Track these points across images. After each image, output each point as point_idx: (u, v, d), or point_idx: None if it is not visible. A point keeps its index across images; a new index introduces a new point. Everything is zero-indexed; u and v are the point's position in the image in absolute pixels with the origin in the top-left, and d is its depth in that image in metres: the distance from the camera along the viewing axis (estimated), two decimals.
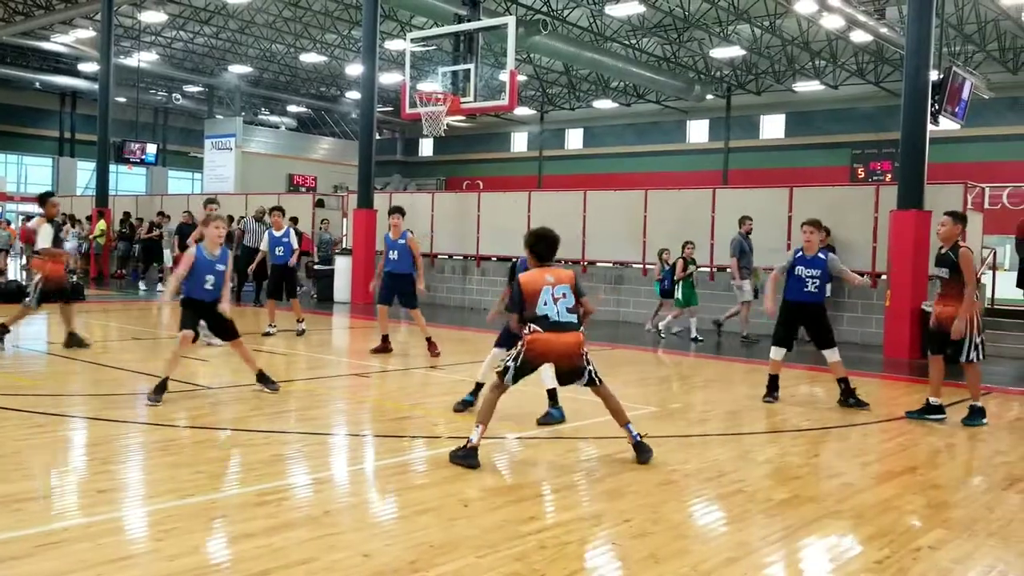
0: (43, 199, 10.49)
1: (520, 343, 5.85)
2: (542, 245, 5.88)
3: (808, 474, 5.86)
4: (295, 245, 12.65)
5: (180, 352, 7.50)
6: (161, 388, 7.21)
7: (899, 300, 12.23)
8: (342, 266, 19.02)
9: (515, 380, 5.85)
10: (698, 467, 5.84)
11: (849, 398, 8.08)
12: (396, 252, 10.71)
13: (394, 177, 45.62)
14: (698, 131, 39.77)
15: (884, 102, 31.29)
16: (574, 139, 44.06)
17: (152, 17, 30.31)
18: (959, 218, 7.56)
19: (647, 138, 40.05)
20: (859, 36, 26.72)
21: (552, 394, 7.03)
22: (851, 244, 13.78)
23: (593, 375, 5.82)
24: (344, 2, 29.20)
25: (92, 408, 7.28)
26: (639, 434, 5.85)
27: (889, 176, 28.78)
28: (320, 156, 37.84)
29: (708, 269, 15.58)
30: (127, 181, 43.12)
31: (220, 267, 7.60)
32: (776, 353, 8.24)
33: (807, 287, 8.08)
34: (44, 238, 10.24)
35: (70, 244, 26.94)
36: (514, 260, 6.89)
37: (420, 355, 10.63)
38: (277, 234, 12.46)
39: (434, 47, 20.64)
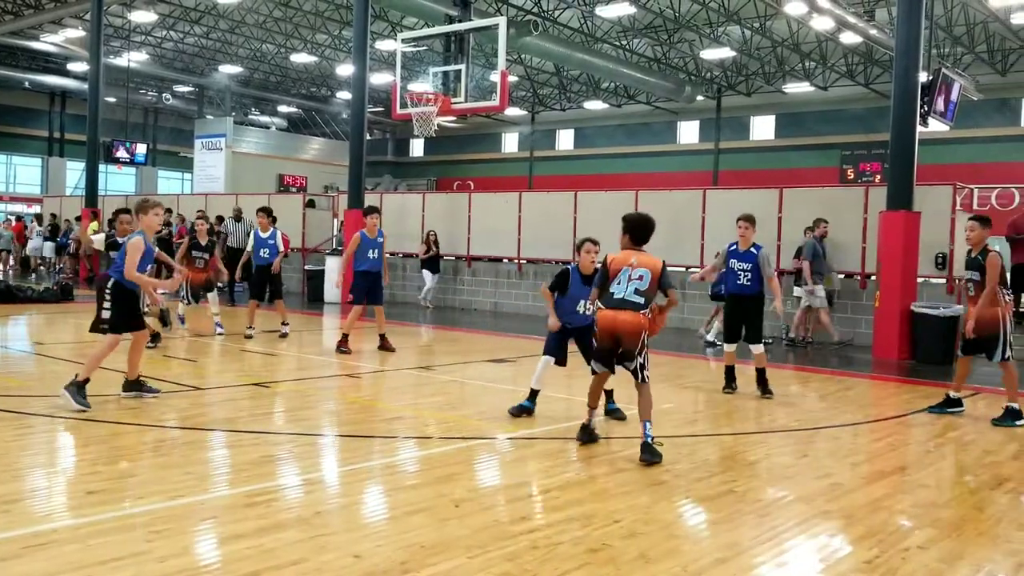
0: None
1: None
2: (640, 231, 6.26)
3: (798, 474, 5.88)
4: (281, 247, 12.60)
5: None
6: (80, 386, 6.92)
7: (888, 301, 12.28)
8: (332, 266, 18.98)
9: (598, 361, 6.18)
10: (688, 467, 5.85)
11: (764, 389, 8.55)
12: (376, 251, 11.01)
13: (385, 177, 45.55)
14: (688, 132, 39.84)
15: (874, 103, 31.42)
16: (565, 140, 44.09)
17: (142, 17, 30.18)
18: (985, 222, 7.71)
19: (638, 139, 40.11)
20: (849, 38, 26.81)
21: (532, 395, 7.36)
22: (841, 245, 13.84)
23: (640, 371, 6.00)
24: (335, 2, 29.14)
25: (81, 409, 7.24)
26: (652, 436, 5.89)
27: (879, 177, 28.87)
28: (311, 156, 37.76)
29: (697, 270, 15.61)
30: (117, 181, 42.94)
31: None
32: (728, 347, 8.96)
33: (739, 279, 8.67)
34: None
35: (33, 243, 26.79)
36: (565, 267, 7.41)
37: (411, 355, 10.62)
38: (263, 235, 12.40)
39: (425, 47, 20.68)
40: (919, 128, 12.56)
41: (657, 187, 21.92)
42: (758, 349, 8.67)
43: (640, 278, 5.97)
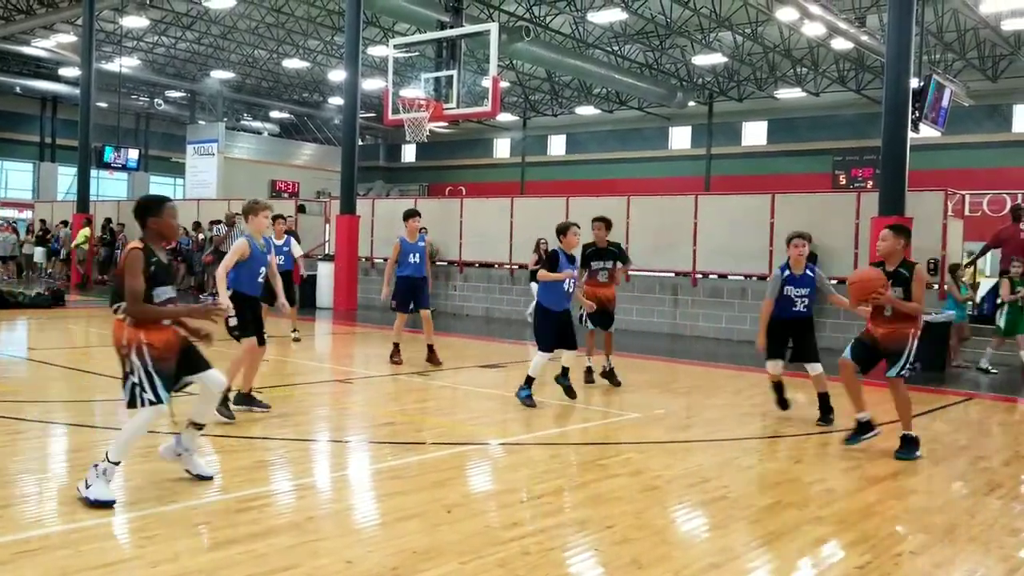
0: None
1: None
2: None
3: (790, 480, 5.89)
4: (297, 252, 12.41)
5: None
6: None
7: None
8: (324, 272, 18.95)
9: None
10: (681, 473, 5.86)
11: (827, 415, 7.73)
12: (417, 255, 10.46)
13: (377, 183, 45.51)
14: (680, 138, 39.93)
15: (865, 109, 31.55)
16: (557, 145, 44.14)
17: (134, 22, 30.09)
18: (900, 231, 6.70)
19: (629, 144, 40.19)
20: (840, 44, 26.92)
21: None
22: (833, 250, 13.88)
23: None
24: (327, 8, 29.13)
25: (74, 414, 7.21)
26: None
27: (871, 183, 28.99)
28: (303, 162, 37.71)
29: (692, 276, 15.64)
30: (109, 186, 42.78)
31: None
32: (772, 364, 7.87)
33: (796, 306, 7.64)
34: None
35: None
36: (554, 250, 8.31)
37: (405, 361, 10.57)
38: (278, 243, 11.98)
39: (417, 53, 20.64)
40: (911, 134, 12.61)
41: (649, 192, 21.97)
42: (816, 369, 7.76)
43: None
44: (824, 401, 7.75)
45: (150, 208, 4.88)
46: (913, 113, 12.80)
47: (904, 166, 12.33)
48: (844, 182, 31.62)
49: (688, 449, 6.67)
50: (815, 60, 30.82)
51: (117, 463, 4.68)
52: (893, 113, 12.33)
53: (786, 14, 24.06)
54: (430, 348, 10.56)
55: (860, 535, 4.64)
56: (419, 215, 10.63)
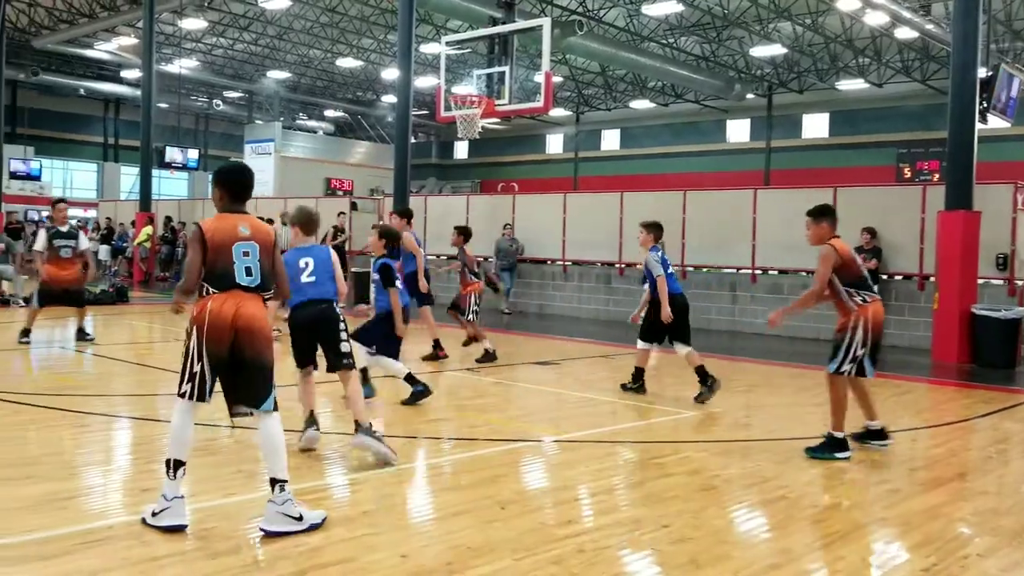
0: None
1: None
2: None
3: (853, 480, 5.74)
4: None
5: None
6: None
7: (947, 303, 11.96)
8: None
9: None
10: (739, 472, 5.75)
11: (705, 383, 8.01)
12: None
13: (429, 180, 45.78)
14: (738, 131, 39.33)
15: (931, 100, 30.69)
16: (610, 140, 43.84)
17: (192, 24, 30.75)
18: (820, 215, 6.46)
19: (685, 138, 39.71)
20: (904, 33, 26.23)
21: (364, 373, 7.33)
22: (897, 246, 13.53)
23: None
24: (380, 7, 29.38)
25: (136, 408, 7.38)
26: None
27: (936, 176, 28.19)
28: (356, 160, 38.10)
29: (751, 271, 15.41)
30: (169, 186, 43.81)
31: None
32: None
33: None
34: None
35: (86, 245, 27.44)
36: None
37: (456, 358, 10.60)
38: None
39: (469, 50, 20.74)
40: (978, 125, 12.24)
41: (705, 187, 21.69)
42: (683, 350, 8.17)
43: None
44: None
45: None
46: (980, 103, 12.42)
47: (971, 158, 11.96)
48: (909, 175, 30.82)
49: (747, 448, 6.54)
50: (878, 50, 30.07)
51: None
52: (959, 104, 11.97)
53: (847, 3, 23.48)
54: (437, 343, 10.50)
55: (925, 537, 4.50)
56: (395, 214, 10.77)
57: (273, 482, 4.22)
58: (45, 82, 37.57)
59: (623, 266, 16.87)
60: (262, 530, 4.16)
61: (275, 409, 4.35)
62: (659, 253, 8.23)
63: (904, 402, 8.77)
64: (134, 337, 12.40)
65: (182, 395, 4.29)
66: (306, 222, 6.09)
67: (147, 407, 7.27)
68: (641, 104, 39.68)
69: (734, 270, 15.74)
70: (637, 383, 8.41)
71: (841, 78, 33.28)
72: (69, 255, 11.04)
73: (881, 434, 6.39)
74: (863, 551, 4.34)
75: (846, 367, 6.10)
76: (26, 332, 10.82)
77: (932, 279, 12.82)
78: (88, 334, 11.22)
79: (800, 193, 16.42)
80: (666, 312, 7.85)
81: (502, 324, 15.79)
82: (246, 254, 4.34)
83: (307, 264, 5.92)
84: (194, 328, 4.27)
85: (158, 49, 27.05)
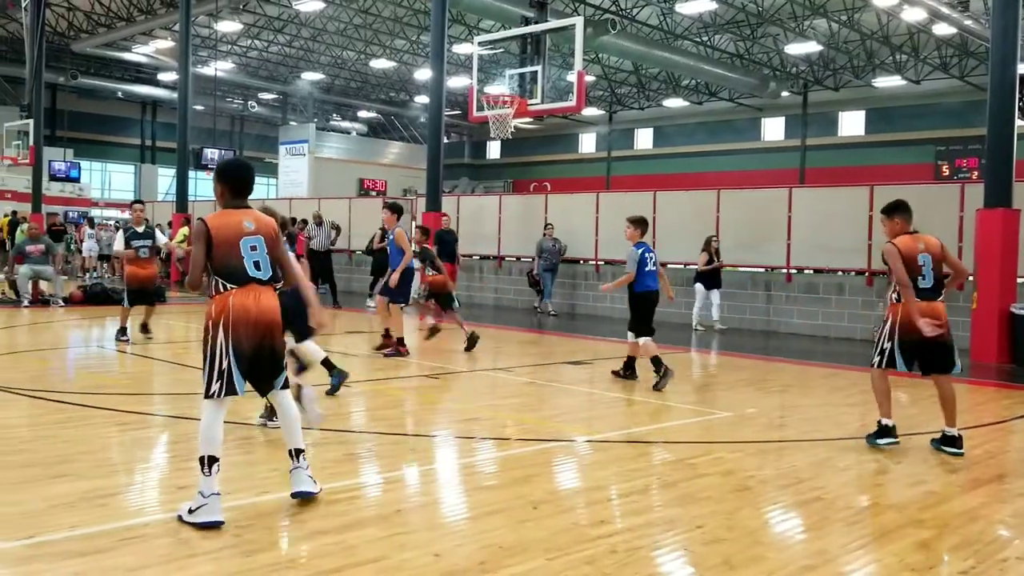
0: None
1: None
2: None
3: (890, 481, 5.67)
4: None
5: None
6: None
7: (987, 302, 11.77)
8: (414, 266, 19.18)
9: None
10: (774, 473, 5.70)
11: (626, 370, 9.10)
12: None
13: (462, 180, 45.90)
14: (773, 129, 38.94)
15: (969, 96, 30.16)
16: (643, 139, 43.63)
17: (228, 27, 31.14)
18: (891, 210, 6.51)
19: (719, 137, 39.40)
20: (942, 29, 25.81)
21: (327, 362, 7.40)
22: None
23: None
24: (413, 8, 29.52)
25: (174, 407, 7.49)
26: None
27: (975, 173, 27.69)
28: (390, 160, 38.31)
29: (786, 271, 15.26)
30: (205, 187, 44.37)
31: None
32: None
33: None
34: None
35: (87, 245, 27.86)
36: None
37: (488, 357, 10.63)
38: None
39: (501, 50, 20.69)
40: (1018, 122, 12.04)
41: (740, 186, 21.51)
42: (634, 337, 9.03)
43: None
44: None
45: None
46: (1020, 100, 12.21)
47: (1011, 155, 11.77)
48: (947, 173, 30.33)
49: (782, 449, 6.49)
50: (915, 46, 29.62)
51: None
52: (999, 100, 11.78)
53: None
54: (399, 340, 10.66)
55: (963, 539, 4.43)
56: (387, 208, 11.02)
57: (296, 452, 4.64)
58: (84, 85, 38.23)
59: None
60: (301, 494, 4.58)
61: (286, 387, 4.68)
62: (641, 250, 8.85)
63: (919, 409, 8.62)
64: (171, 336, 12.58)
65: (210, 396, 4.37)
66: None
67: (184, 406, 7.37)
68: (674, 103, 39.45)
69: (769, 269, 15.61)
70: (628, 371, 9.20)
71: (878, 75, 32.83)
72: (147, 254, 11.54)
73: (952, 441, 6.30)
74: (900, 553, 4.28)
75: (875, 359, 6.41)
76: (123, 331, 11.29)
77: (971, 278, 12.60)
78: (150, 332, 11.60)
79: (836, 192, 16.26)
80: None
81: (534, 324, 15.80)
82: (253, 248, 4.51)
83: None
84: (219, 325, 4.36)
85: (194, 52, 27.42)
